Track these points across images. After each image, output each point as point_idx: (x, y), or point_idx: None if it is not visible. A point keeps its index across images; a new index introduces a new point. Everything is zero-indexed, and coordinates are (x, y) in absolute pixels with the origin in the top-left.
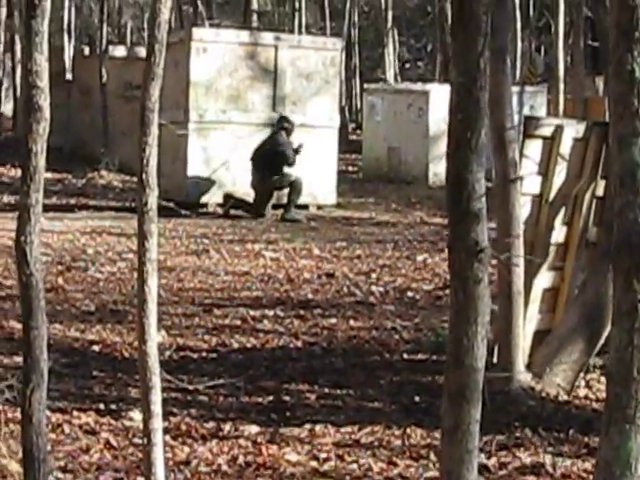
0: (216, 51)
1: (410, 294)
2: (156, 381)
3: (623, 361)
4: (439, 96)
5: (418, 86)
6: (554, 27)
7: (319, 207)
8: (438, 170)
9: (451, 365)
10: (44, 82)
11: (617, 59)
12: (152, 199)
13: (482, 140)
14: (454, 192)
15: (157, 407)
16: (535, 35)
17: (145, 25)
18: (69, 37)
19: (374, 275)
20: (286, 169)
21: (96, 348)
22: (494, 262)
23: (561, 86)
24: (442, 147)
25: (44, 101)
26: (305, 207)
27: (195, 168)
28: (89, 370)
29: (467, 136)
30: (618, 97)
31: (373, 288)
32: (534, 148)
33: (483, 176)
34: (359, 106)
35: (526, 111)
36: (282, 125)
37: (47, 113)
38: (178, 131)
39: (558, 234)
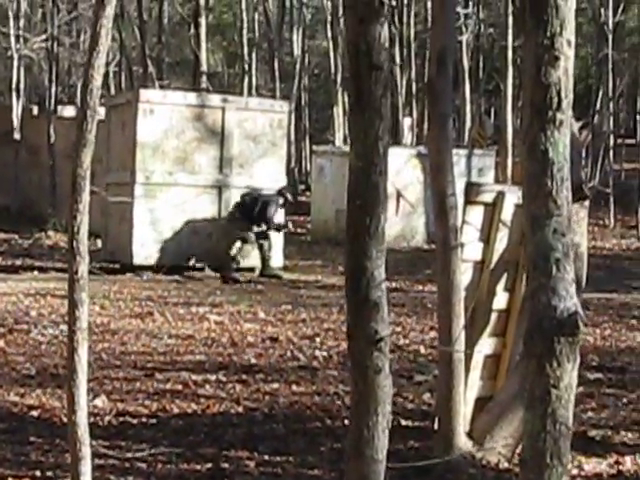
0: (163, 112)
1: None
2: (86, 452)
3: (536, 447)
4: (388, 158)
5: None
6: (503, 90)
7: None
8: (386, 233)
9: (351, 456)
10: None
11: (531, 139)
12: (83, 267)
13: (382, 226)
14: (353, 279)
15: (87, 478)
16: (485, 98)
17: None
18: (18, 96)
19: (318, 339)
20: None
21: (35, 413)
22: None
23: (509, 149)
24: (390, 210)
25: None
26: (251, 270)
27: (141, 230)
28: (26, 435)
29: (366, 222)
30: (531, 177)
31: (317, 352)
32: (476, 214)
33: (383, 263)
34: (308, 168)
35: (474, 174)
36: (281, 192)
37: None
38: (122, 198)
39: (500, 300)
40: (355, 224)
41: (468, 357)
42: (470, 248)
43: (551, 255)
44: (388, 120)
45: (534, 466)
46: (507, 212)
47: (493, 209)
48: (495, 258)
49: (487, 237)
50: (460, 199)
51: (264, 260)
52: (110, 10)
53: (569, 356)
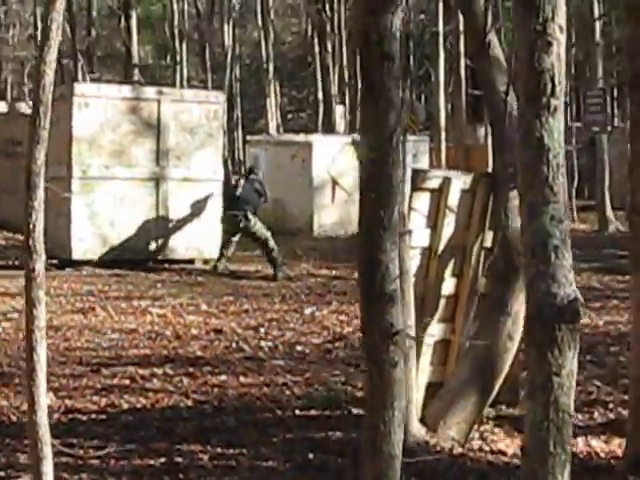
0: (98, 106)
1: (299, 348)
2: (47, 452)
3: (539, 437)
4: (322, 147)
5: (301, 137)
6: (434, 76)
7: (205, 261)
8: (323, 221)
9: (368, 452)
10: None
11: (525, 126)
12: (39, 265)
13: (395, 218)
14: (367, 273)
15: (49, 478)
16: (416, 84)
17: (25, 80)
18: None
19: (262, 330)
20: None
21: None
22: None
23: (443, 134)
24: (326, 197)
25: None
26: (191, 262)
27: (79, 225)
28: None
29: (380, 215)
30: (526, 165)
31: (262, 343)
32: (422, 201)
33: (397, 255)
34: (242, 158)
35: (409, 160)
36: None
37: None
38: (62, 192)
39: (448, 286)
40: (369, 217)
41: (418, 343)
42: (417, 235)
43: (549, 242)
44: (400, 111)
45: (537, 455)
46: (453, 198)
47: (439, 195)
48: (442, 244)
49: (434, 223)
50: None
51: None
52: (61, 4)
53: (570, 343)
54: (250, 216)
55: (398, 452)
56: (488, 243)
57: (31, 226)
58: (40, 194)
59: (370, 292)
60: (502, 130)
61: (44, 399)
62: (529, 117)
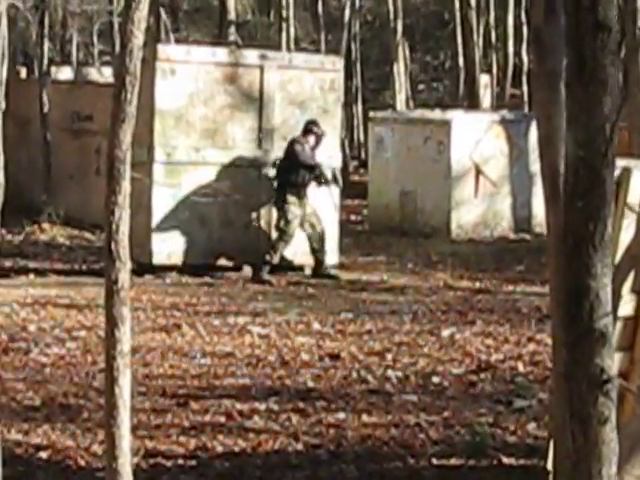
0: (187, 73)
1: (436, 380)
2: None
3: None
4: (463, 126)
5: (437, 114)
6: None
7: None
8: (463, 220)
9: None
10: None
11: None
12: (124, 275)
13: (609, 235)
14: (572, 303)
15: None
16: None
17: (95, 40)
18: (1, 56)
19: (390, 356)
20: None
21: (44, 455)
22: (549, 342)
23: None
24: (467, 190)
25: None
26: (300, 269)
27: (162, 222)
28: None
29: (589, 229)
30: None
31: (389, 373)
32: None
33: (610, 281)
34: (362, 140)
35: None
36: (308, 128)
37: None
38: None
39: (626, 306)
40: (575, 231)
41: None
42: None
43: None
44: (618, 97)
45: None
46: (635, 194)
47: (617, 190)
48: (620, 252)
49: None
50: None
51: (315, 254)
52: None
53: None
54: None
55: None
56: None
57: (113, 226)
58: (126, 186)
59: (575, 327)
60: None
61: (127, 442)
62: None
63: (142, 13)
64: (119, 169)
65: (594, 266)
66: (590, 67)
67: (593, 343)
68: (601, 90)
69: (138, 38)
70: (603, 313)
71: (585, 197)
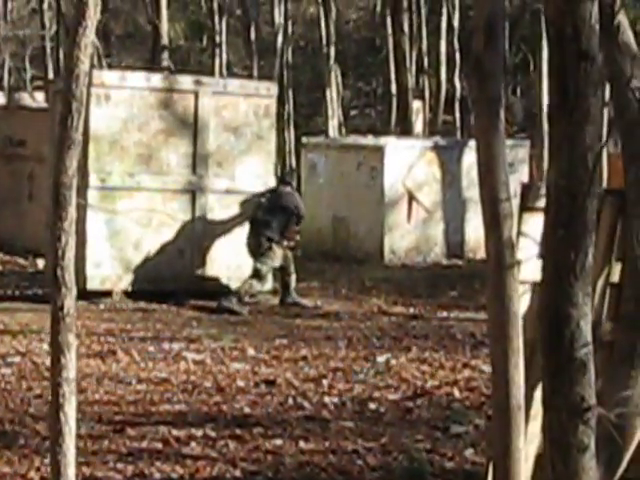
0: (122, 99)
1: (372, 406)
2: None
3: None
4: (396, 152)
5: (369, 140)
6: (537, 64)
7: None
8: (396, 245)
9: None
10: None
11: None
12: (69, 301)
13: (589, 263)
14: (552, 332)
15: None
16: (511, 75)
17: (27, 65)
18: None
19: (325, 382)
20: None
21: None
22: (484, 368)
23: (546, 138)
24: (400, 216)
25: None
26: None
27: (96, 247)
28: None
29: (570, 258)
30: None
31: (326, 399)
32: (534, 224)
33: (590, 310)
34: (295, 166)
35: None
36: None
37: None
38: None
39: None
40: (556, 261)
41: (527, 404)
42: (528, 266)
43: None
44: (599, 126)
45: None
46: None
47: None
48: None
49: None
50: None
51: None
52: None
53: None
54: (273, 245)
55: None
56: (615, 278)
57: (60, 252)
58: (72, 212)
59: (556, 356)
60: (635, 133)
61: (72, 470)
62: None
63: (88, 39)
64: (65, 195)
65: (575, 295)
66: (573, 96)
67: (573, 372)
68: (584, 119)
69: (84, 64)
70: (584, 342)
71: (567, 226)
